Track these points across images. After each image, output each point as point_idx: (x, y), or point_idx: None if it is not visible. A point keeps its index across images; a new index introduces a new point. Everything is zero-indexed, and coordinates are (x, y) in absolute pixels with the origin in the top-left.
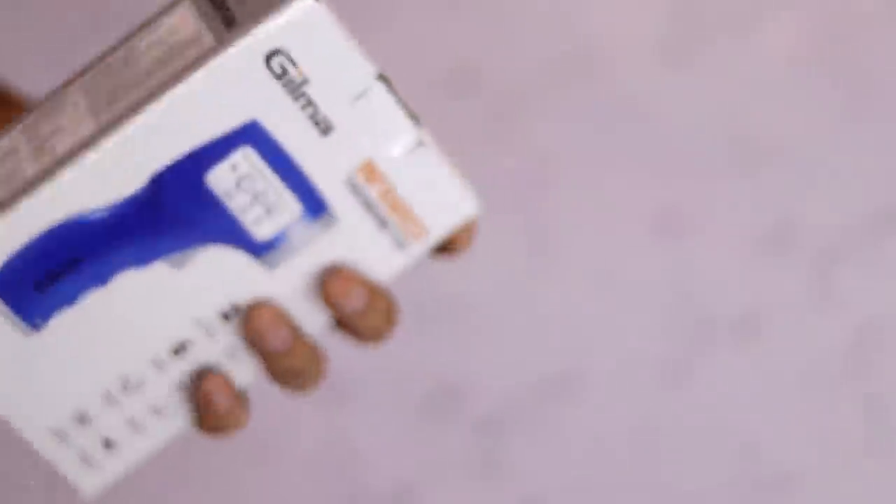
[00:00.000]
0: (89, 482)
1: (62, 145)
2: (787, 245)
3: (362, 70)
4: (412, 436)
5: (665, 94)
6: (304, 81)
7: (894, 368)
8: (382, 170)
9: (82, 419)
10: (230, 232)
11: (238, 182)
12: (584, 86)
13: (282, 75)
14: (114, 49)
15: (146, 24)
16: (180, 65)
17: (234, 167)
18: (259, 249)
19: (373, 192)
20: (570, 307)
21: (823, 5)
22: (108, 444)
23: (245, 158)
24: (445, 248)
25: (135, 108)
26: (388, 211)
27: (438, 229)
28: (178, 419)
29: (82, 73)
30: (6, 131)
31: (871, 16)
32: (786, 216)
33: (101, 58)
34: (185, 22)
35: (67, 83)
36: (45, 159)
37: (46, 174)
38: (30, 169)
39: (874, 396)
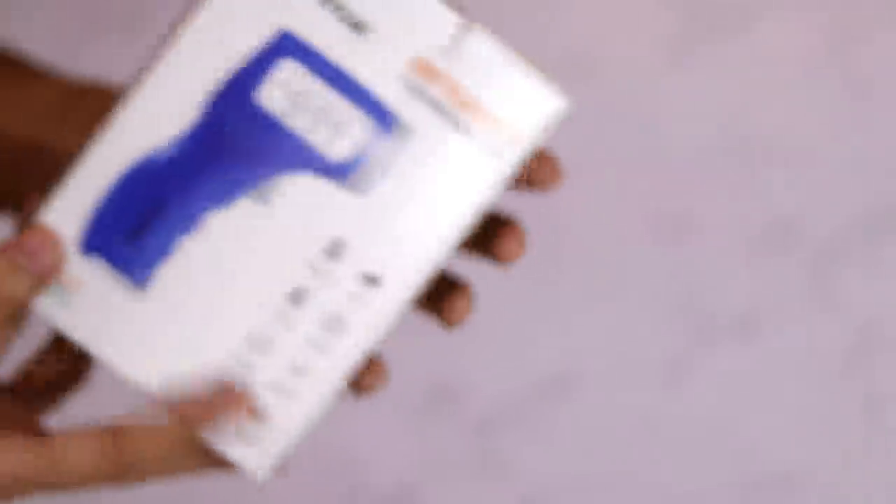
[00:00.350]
0: (253, 461)
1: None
2: (787, 245)
3: None
4: (412, 436)
5: (665, 94)
6: None
7: (893, 368)
8: (438, 65)
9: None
10: (302, 156)
11: (292, 100)
12: (584, 86)
13: None
14: None
15: None
16: None
17: (282, 84)
18: (339, 172)
19: (436, 91)
20: (571, 307)
21: (824, 6)
22: (258, 413)
23: (291, 73)
24: (532, 179)
25: (171, 42)
26: (461, 111)
27: (527, 127)
28: (328, 381)
29: None
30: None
31: (872, 16)
32: (786, 216)
33: None
34: None
35: None
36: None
37: (106, 122)
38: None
39: (874, 396)
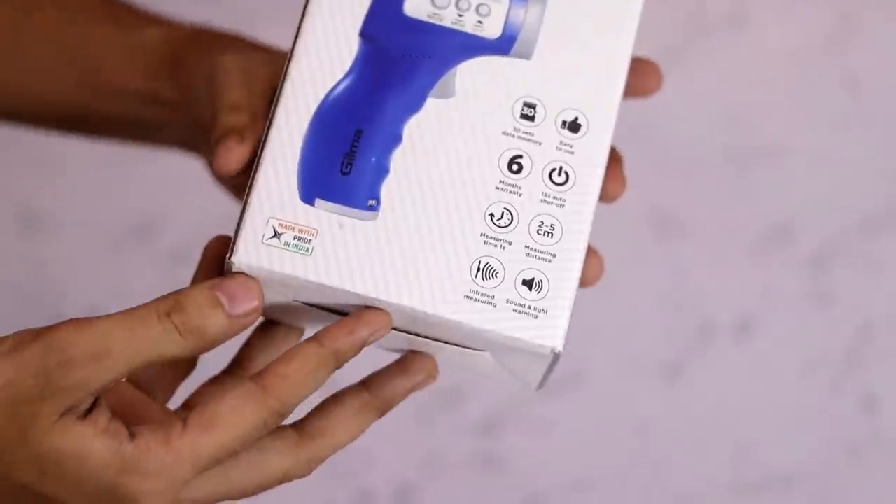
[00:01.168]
0: (544, 333)
1: None
2: (786, 245)
3: None
4: (412, 436)
5: (664, 94)
6: None
7: (892, 368)
8: None
9: (486, 272)
10: (463, 45)
11: (433, 2)
12: None
13: None
14: None
15: None
16: None
17: None
18: (500, 47)
19: None
20: None
21: (823, 5)
22: (529, 284)
23: None
24: (637, 88)
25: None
26: None
27: None
28: (577, 231)
29: None
30: None
31: (872, 15)
32: (785, 216)
33: None
34: None
35: None
36: None
37: (282, 79)
38: None
39: (873, 396)
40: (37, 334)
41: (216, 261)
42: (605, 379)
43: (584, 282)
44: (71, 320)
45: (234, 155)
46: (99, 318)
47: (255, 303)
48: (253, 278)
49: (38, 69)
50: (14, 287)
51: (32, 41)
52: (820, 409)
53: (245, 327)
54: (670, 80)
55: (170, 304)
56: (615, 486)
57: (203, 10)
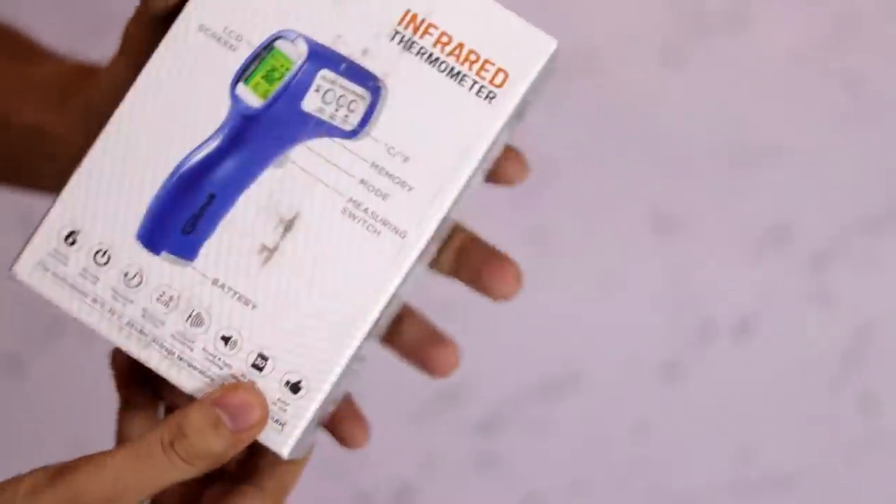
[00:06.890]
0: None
1: None
2: (786, 245)
3: None
4: (412, 436)
5: (664, 94)
6: None
7: (891, 368)
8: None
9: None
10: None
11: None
12: (584, 85)
13: None
14: None
15: None
16: None
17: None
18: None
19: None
20: (570, 307)
21: (823, 5)
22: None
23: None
24: (499, 175)
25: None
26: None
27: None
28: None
29: None
30: None
31: (871, 15)
32: (785, 216)
33: None
34: None
35: None
36: None
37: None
38: None
39: (872, 396)
40: (52, 478)
41: (127, 369)
42: (605, 379)
43: (499, 294)
44: (83, 462)
45: None
46: (108, 456)
47: (258, 415)
48: (255, 391)
49: None
50: (14, 287)
51: None
52: (819, 409)
53: (251, 439)
54: (670, 79)
55: (172, 432)
56: (614, 486)
57: None
